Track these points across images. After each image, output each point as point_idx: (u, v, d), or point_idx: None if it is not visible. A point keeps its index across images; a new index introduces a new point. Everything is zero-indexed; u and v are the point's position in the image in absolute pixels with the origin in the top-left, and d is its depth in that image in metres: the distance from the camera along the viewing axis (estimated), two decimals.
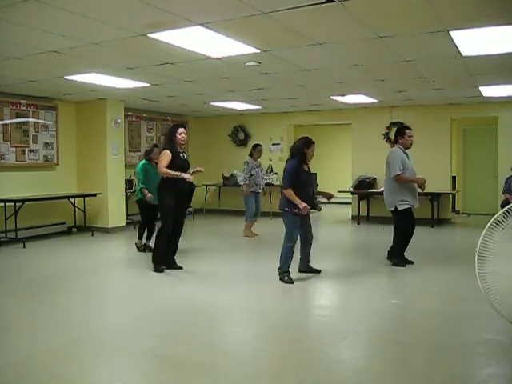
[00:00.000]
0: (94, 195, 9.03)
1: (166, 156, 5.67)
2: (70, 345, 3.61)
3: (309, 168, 5.58)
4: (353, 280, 5.58)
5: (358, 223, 10.32)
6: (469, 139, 11.86)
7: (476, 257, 3.48)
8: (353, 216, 10.81)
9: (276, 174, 11.61)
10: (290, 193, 5.21)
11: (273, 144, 11.83)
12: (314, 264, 5.83)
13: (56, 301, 4.82)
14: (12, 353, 3.47)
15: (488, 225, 3.47)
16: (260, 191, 8.46)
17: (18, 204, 7.80)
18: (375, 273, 5.83)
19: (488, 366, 3.25)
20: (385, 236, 8.84)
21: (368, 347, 3.69)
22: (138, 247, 7.24)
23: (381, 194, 10.11)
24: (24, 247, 7.63)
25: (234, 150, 11.98)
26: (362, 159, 10.70)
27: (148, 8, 3.87)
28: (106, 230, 9.15)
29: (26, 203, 7.96)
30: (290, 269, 5.39)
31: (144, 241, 7.24)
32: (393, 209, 5.95)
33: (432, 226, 9.55)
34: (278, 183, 11.57)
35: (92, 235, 8.86)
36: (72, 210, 9.04)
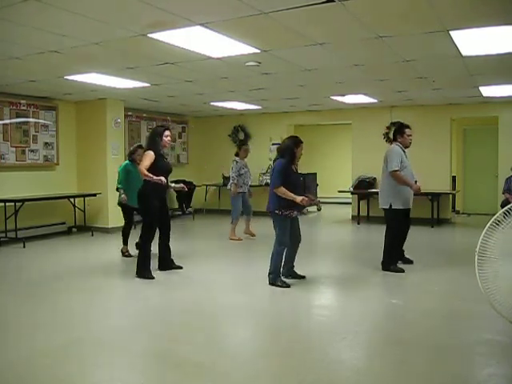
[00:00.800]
0: (94, 195, 9.03)
1: (149, 157, 5.45)
2: (70, 345, 3.61)
3: (296, 169, 5.39)
4: (352, 280, 5.58)
5: (358, 223, 10.32)
6: (469, 139, 11.85)
7: (476, 257, 3.48)
8: (353, 216, 10.80)
9: None
10: (283, 190, 5.03)
11: (273, 144, 11.82)
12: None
13: (56, 301, 4.82)
14: (12, 353, 3.47)
15: (488, 225, 3.47)
16: (246, 191, 8.27)
17: (17, 204, 7.80)
18: (375, 273, 5.82)
19: (488, 366, 3.25)
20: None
21: (368, 347, 3.69)
22: (122, 253, 6.96)
23: None
24: (24, 247, 7.63)
25: (234, 150, 11.91)
26: (362, 159, 10.69)
27: (148, 8, 3.87)
28: (105, 230, 9.15)
29: (26, 203, 7.97)
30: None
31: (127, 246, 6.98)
32: (386, 207, 5.80)
33: (432, 226, 9.55)
34: None
35: (92, 235, 8.86)
36: (72, 210, 9.04)
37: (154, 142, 5.61)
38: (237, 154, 8.38)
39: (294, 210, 5.17)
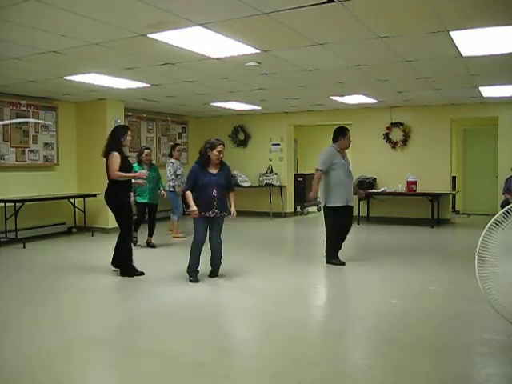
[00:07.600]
0: (94, 195, 9.02)
1: (116, 158, 5.61)
2: (70, 344, 3.61)
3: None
4: (352, 280, 5.58)
5: (358, 223, 10.31)
6: (469, 139, 11.86)
7: (476, 257, 3.48)
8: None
9: (276, 174, 11.62)
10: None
11: (273, 144, 11.84)
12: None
13: (56, 301, 4.82)
14: (11, 352, 3.46)
15: (488, 225, 3.47)
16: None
17: (18, 204, 7.80)
18: (374, 273, 5.83)
19: (488, 366, 3.25)
20: (385, 236, 8.85)
21: (367, 347, 3.68)
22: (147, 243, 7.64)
23: (381, 194, 10.22)
24: (24, 247, 7.63)
25: (233, 150, 11.97)
26: (362, 159, 10.69)
27: (148, 8, 3.88)
28: (105, 231, 9.14)
29: (26, 203, 7.96)
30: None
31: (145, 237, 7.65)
32: (323, 205, 6.25)
33: (432, 226, 9.55)
34: (278, 183, 11.57)
35: (92, 235, 8.86)
36: (72, 210, 9.04)
37: (119, 143, 5.72)
38: (170, 155, 8.44)
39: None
